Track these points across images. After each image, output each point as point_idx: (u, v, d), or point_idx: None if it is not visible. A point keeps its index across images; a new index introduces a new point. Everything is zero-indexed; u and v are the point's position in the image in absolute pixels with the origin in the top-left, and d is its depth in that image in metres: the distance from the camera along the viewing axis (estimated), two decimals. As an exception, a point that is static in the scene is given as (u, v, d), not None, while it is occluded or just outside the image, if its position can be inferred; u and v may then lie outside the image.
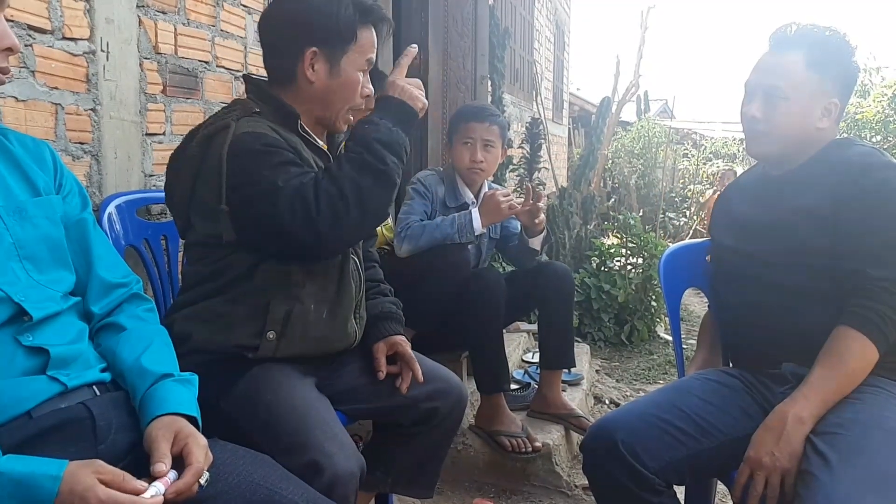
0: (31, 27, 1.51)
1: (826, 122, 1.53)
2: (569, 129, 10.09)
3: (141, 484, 0.93)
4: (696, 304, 5.33)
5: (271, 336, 1.42)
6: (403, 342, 1.65)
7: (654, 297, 4.40)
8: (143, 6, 1.83)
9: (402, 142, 1.42)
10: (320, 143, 1.54)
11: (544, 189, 5.98)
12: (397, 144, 1.41)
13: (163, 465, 0.98)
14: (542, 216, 2.37)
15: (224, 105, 1.57)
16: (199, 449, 1.03)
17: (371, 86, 1.55)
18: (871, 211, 1.42)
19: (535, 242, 2.42)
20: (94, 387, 1.11)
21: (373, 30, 1.51)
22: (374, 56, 1.53)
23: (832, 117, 1.54)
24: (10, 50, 1.05)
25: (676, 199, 9.61)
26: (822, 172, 1.51)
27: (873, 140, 8.74)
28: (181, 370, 1.17)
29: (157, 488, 0.95)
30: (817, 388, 1.37)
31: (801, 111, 1.51)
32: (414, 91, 1.47)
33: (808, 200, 1.49)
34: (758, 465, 1.35)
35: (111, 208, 1.66)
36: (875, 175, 1.44)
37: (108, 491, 0.89)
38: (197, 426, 1.10)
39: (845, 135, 2.16)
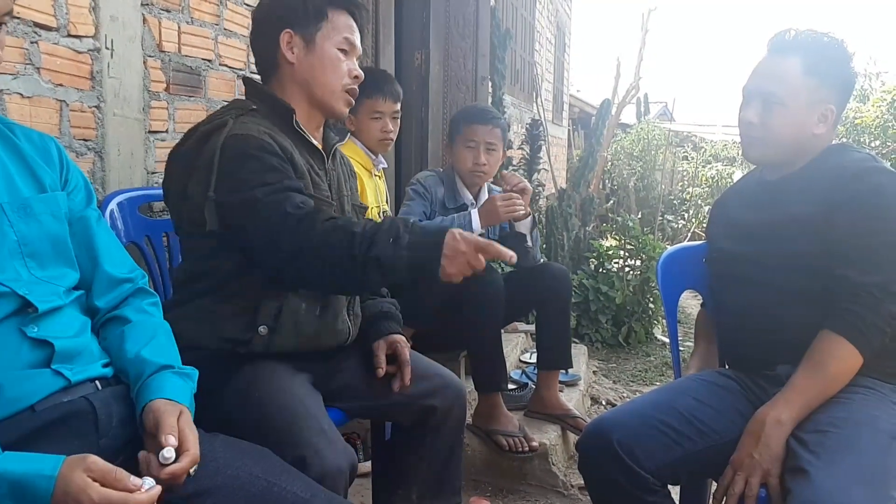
0: (36, 24, 1.52)
1: (822, 128, 1.54)
2: (568, 130, 10.10)
3: (134, 481, 0.91)
4: (693, 306, 5.33)
5: (263, 330, 1.43)
6: (402, 342, 1.66)
7: (651, 299, 4.41)
8: (147, 4, 1.84)
9: (396, 267, 1.29)
10: (315, 140, 1.57)
11: (543, 190, 5.99)
12: (391, 265, 1.28)
13: (173, 437, 0.99)
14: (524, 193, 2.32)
15: (225, 103, 1.61)
16: (195, 437, 1.04)
17: (359, 69, 1.58)
18: (862, 215, 1.43)
19: (523, 226, 2.41)
20: (97, 382, 1.11)
21: (347, 15, 1.56)
22: (353, 37, 1.56)
23: (828, 123, 1.54)
24: None
25: (675, 201, 9.61)
26: (816, 179, 1.52)
27: (872, 145, 8.74)
28: None
29: (150, 482, 0.94)
30: (798, 391, 1.39)
31: (797, 117, 1.52)
32: (460, 267, 1.32)
33: (803, 207, 1.50)
34: (739, 466, 1.37)
35: (113, 205, 1.67)
36: (868, 180, 1.45)
37: (102, 490, 0.88)
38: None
39: (844, 139, 2.17)
